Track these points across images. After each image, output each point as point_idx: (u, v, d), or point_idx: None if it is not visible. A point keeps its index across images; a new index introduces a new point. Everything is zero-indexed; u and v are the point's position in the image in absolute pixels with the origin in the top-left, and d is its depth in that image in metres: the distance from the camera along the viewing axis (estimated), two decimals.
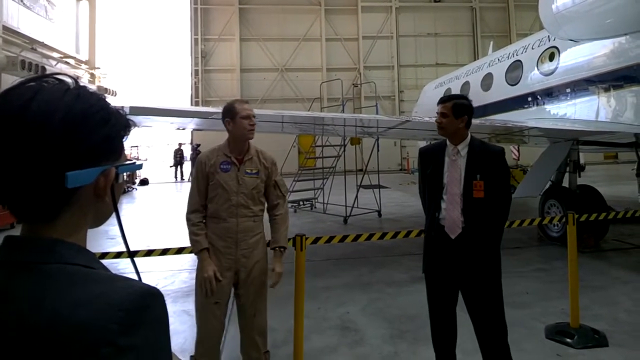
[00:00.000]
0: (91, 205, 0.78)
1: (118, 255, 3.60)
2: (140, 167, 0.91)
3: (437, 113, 2.86)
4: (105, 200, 0.79)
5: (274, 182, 2.94)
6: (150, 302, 0.68)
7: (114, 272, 0.74)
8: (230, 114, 2.83)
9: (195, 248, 2.82)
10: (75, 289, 0.65)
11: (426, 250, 2.93)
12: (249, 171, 2.84)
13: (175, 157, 24.94)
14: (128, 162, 0.83)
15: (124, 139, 0.81)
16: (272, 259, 2.89)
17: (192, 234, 2.84)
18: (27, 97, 0.68)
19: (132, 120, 0.82)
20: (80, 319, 0.62)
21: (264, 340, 2.92)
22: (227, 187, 2.79)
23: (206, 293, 2.71)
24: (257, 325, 2.87)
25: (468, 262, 2.72)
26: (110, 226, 9.88)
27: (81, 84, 0.76)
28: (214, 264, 2.76)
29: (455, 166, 2.78)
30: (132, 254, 0.89)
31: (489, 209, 2.72)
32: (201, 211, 2.88)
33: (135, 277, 0.83)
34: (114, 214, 0.84)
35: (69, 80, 0.75)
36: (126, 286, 0.68)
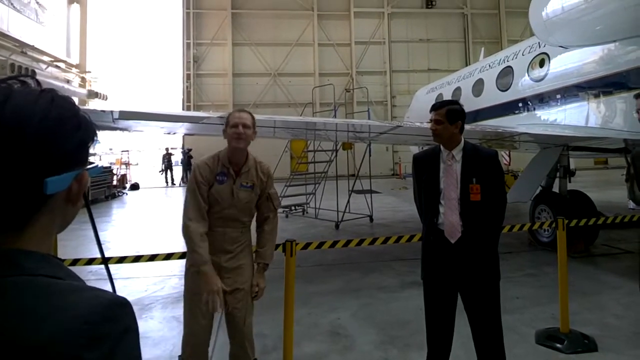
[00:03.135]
0: (61, 211, 0.75)
1: (106, 261, 3.55)
2: (101, 169, 0.88)
3: (431, 120, 2.87)
4: (77, 205, 0.77)
5: (267, 195, 2.86)
6: (118, 312, 0.65)
7: (102, 277, 0.71)
8: (225, 123, 2.81)
9: (198, 260, 2.62)
10: (37, 302, 0.62)
11: (425, 256, 2.91)
12: (244, 184, 2.76)
13: (163, 162, 24.84)
14: (91, 166, 0.81)
15: (93, 145, 0.79)
16: (255, 274, 2.83)
17: (195, 245, 2.63)
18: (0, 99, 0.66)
19: (96, 125, 0.80)
20: (44, 335, 0.58)
21: (252, 348, 2.88)
22: (221, 199, 2.71)
23: (210, 308, 2.60)
24: (246, 334, 2.82)
25: (469, 265, 2.72)
26: (100, 232, 9.84)
27: (45, 87, 0.74)
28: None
29: (451, 171, 2.79)
30: (106, 261, 0.87)
31: (486, 212, 2.74)
32: (205, 219, 2.71)
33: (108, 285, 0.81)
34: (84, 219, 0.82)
35: (30, 82, 0.72)
36: (92, 297, 0.65)
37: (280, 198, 3.02)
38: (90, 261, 3.62)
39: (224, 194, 2.72)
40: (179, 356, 2.82)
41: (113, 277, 0.83)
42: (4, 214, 0.67)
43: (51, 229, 0.75)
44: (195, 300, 2.75)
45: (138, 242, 8.63)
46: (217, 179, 2.75)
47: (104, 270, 0.78)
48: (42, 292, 0.64)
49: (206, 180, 2.74)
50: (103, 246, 0.85)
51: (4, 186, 0.65)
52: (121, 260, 3.51)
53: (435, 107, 2.88)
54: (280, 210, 11.60)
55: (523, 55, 8.69)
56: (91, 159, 0.82)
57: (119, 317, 0.65)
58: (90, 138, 0.77)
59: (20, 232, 0.70)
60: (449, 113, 2.80)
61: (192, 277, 2.79)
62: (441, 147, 2.87)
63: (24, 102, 0.67)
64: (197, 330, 2.78)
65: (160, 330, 4.33)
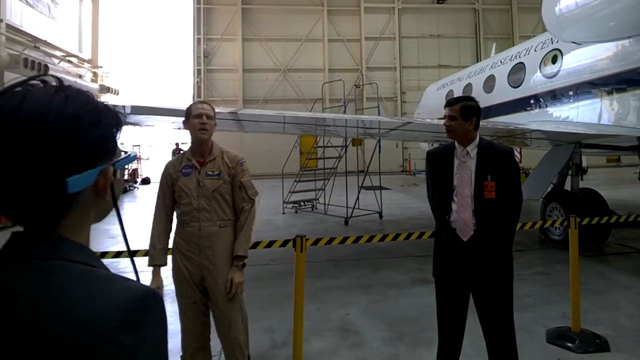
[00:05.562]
0: (92, 204, 0.77)
1: (118, 254, 3.59)
2: (134, 157, 0.89)
3: (445, 116, 2.84)
4: (106, 198, 0.78)
5: (239, 183, 2.80)
6: (151, 303, 0.68)
7: (114, 271, 0.73)
8: (186, 114, 2.80)
9: (149, 261, 2.77)
10: (77, 286, 0.65)
11: (437, 254, 2.89)
12: (210, 173, 2.75)
13: (173, 156, 25.00)
14: (123, 155, 0.82)
15: (117, 136, 0.79)
16: (231, 267, 2.76)
17: (151, 244, 2.81)
18: (14, 103, 0.66)
19: (121, 114, 0.80)
20: (83, 315, 0.61)
21: (242, 349, 2.82)
22: (188, 190, 2.73)
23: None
24: (233, 337, 2.77)
25: (481, 264, 2.69)
26: (111, 225, 9.91)
27: (66, 83, 0.74)
28: (162, 280, 2.80)
29: (465, 167, 2.75)
30: (132, 253, 0.89)
31: (501, 210, 2.70)
32: (164, 219, 2.85)
33: (134, 277, 0.83)
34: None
35: (52, 81, 0.73)
36: (127, 286, 0.68)
37: (257, 195, 2.95)
38: (102, 255, 3.65)
39: (191, 185, 2.74)
40: (181, 356, 2.82)
41: (124, 271, 0.84)
42: (33, 214, 0.70)
43: (85, 221, 0.78)
44: (183, 302, 2.78)
45: (149, 236, 8.67)
46: (182, 172, 2.78)
47: (118, 265, 0.79)
48: (81, 277, 0.67)
49: (171, 177, 2.80)
50: (116, 239, 0.86)
51: (28, 188, 0.66)
52: (133, 254, 3.53)
53: (449, 103, 2.85)
54: (289, 206, 11.71)
55: (535, 51, 8.59)
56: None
57: (151, 308, 0.68)
58: (113, 131, 0.77)
59: (57, 225, 0.73)
60: (463, 109, 2.76)
61: (177, 279, 2.81)
62: (455, 143, 2.84)
63: (38, 103, 0.67)
64: (192, 330, 2.79)
65: (171, 324, 4.35)
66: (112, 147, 0.78)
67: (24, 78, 0.72)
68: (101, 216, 0.82)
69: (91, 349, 0.60)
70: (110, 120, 0.77)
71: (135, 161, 16.49)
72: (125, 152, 0.82)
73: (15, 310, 0.62)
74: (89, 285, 0.66)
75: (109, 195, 0.78)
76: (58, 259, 0.68)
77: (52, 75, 0.74)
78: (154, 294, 0.69)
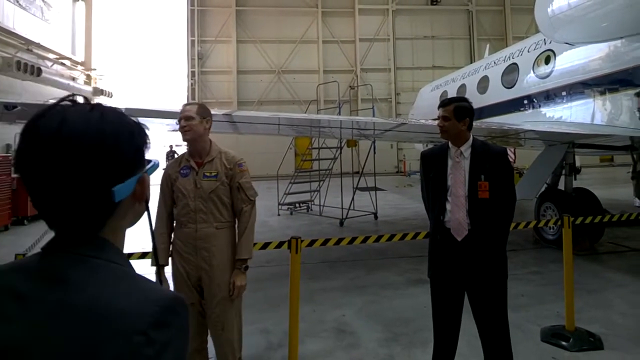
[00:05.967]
0: (130, 208, 0.85)
1: (157, 257, 3.55)
2: (158, 163, 0.94)
3: (439, 117, 2.85)
4: (143, 202, 0.87)
5: (237, 185, 2.77)
6: (180, 308, 0.74)
7: None
8: None
9: (153, 261, 2.72)
10: (118, 281, 0.73)
11: (432, 254, 2.90)
12: (207, 174, 2.74)
13: (167, 158, 24.94)
14: (149, 163, 0.89)
15: (147, 146, 0.85)
16: (234, 271, 2.75)
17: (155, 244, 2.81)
18: (58, 120, 0.73)
19: (145, 125, 0.86)
20: (120, 306, 0.67)
21: (234, 351, 2.79)
22: (186, 191, 2.73)
23: None
24: (225, 338, 2.74)
25: (476, 263, 2.70)
26: None
27: (94, 102, 0.80)
28: (173, 275, 2.80)
29: (458, 168, 2.77)
30: (157, 257, 0.95)
31: (495, 210, 2.72)
32: (165, 219, 2.85)
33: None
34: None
35: (79, 99, 0.79)
36: (159, 288, 0.75)
37: (256, 196, 2.92)
38: None
39: (188, 186, 2.73)
40: None
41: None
42: (82, 222, 0.77)
43: (123, 225, 0.86)
44: None
45: (145, 239, 8.66)
46: (180, 172, 2.78)
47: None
48: (120, 275, 0.75)
49: (170, 178, 2.81)
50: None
51: (81, 201, 0.74)
52: (129, 257, 3.52)
53: (443, 104, 2.87)
54: (285, 207, 11.70)
55: (528, 52, 8.64)
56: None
57: (180, 312, 0.74)
58: (144, 141, 0.84)
59: (101, 229, 0.80)
60: (456, 110, 2.78)
61: (175, 280, 2.80)
62: (449, 144, 2.86)
63: (78, 122, 0.74)
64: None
65: None
66: (144, 156, 0.85)
67: (56, 99, 0.78)
68: (136, 220, 0.90)
69: (124, 336, 0.65)
70: (141, 131, 0.84)
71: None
72: (149, 161, 0.88)
73: (63, 292, 0.69)
74: (128, 282, 0.73)
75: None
76: (100, 258, 0.76)
77: (79, 94, 0.81)
78: (182, 300, 0.76)
